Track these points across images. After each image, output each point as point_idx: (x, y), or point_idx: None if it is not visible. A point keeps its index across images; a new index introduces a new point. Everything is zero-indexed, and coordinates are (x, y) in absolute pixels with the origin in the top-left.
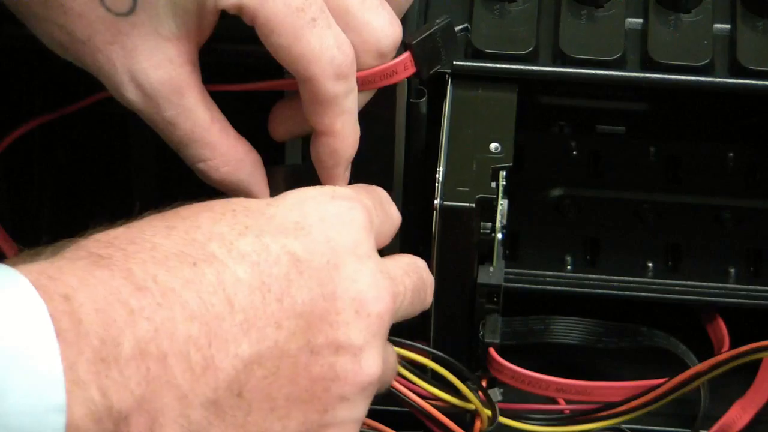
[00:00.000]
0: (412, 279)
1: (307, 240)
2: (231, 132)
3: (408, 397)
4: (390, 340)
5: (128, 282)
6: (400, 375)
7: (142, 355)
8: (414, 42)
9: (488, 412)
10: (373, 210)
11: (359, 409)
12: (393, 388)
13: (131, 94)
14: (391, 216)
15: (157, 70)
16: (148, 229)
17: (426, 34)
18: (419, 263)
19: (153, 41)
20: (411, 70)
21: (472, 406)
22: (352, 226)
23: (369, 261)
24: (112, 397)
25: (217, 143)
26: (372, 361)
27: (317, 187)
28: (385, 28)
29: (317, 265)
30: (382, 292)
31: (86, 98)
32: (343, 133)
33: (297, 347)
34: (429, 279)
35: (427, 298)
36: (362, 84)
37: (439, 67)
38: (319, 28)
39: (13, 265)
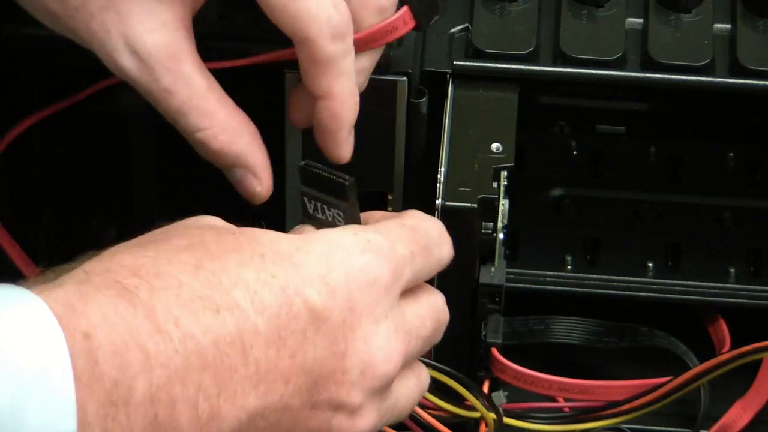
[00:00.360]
0: (428, 328)
1: (329, 297)
2: (228, 101)
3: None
4: None
5: (150, 322)
6: None
7: (152, 401)
8: None
9: (493, 416)
10: (407, 261)
11: None
12: None
13: (126, 61)
14: (438, 259)
15: (152, 34)
16: (176, 263)
17: None
18: (439, 304)
19: (147, 5)
20: (411, 23)
21: (477, 414)
22: (374, 287)
23: (385, 322)
24: None
25: (215, 111)
26: (367, 419)
27: (351, 233)
28: None
29: (333, 324)
30: (392, 353)
31: (85, 90)
32: (342, 95)
33: (300, 402)
34: (445, 320)
35: (438, 339)
36: (365, 43)
37: (437, 17)
38: None
39: (36, 286)
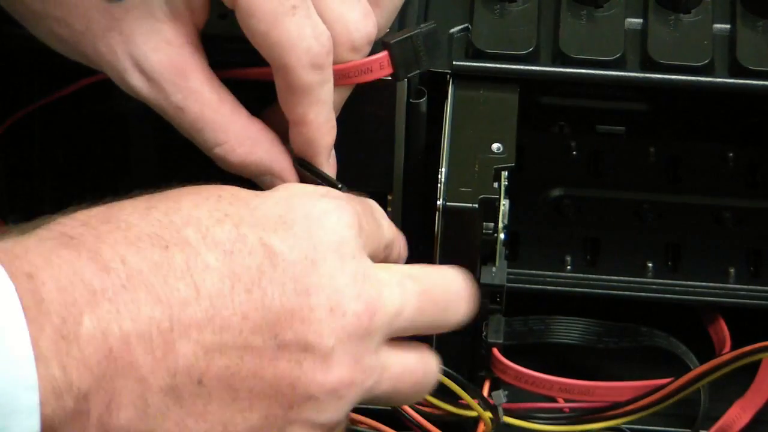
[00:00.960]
0: (417, 285)
1: (287, 234)
2: (242, 111)
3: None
4: None
5: (93, 263)
6: None
7: (104, 334)
8: (392, 42)
9: (489, 415)
10: (363, 216)
11: (329, 412)
12: None
13: (136, 81)
14: (382, 228)
15: (156, 52)
16: (127, 207)
17: (406, 35)
18: (442, 272)
19: (148, 24)
20: (387, 69)
21: (474, 413)
22: (338, 225)
23: (353, 261)
24: (72, 374)
25: (229, 123)
26: (343, 365)
27: (310, 185)
28: (358, 21)
29: (294, 260)
30: (363, 293)
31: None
32: (317, 122)
33: (263, 341)
34: (457, 289)
35: (453, 312)
36: (337, 78)
37: (418, 71)
38: (299, 17)
39: None
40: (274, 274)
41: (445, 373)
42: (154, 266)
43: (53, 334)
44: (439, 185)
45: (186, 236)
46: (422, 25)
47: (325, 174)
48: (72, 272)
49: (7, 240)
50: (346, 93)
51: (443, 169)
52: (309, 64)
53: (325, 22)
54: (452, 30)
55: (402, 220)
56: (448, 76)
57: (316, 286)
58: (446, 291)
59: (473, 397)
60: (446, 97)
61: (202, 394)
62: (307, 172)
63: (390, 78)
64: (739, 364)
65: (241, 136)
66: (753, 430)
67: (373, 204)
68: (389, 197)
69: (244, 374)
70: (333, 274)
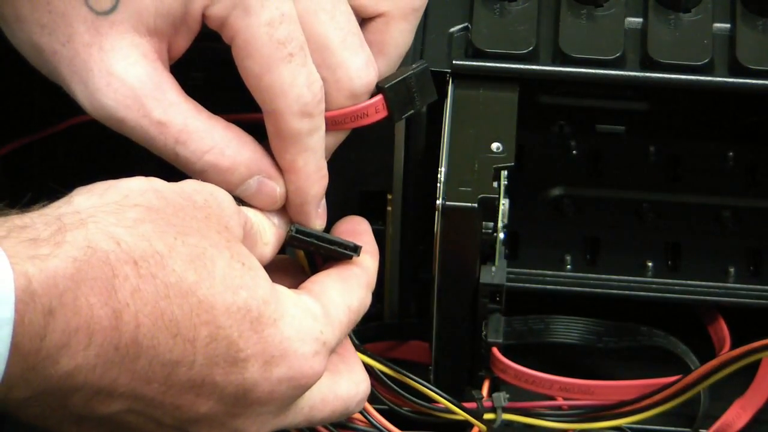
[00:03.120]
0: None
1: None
2: (218, 117)
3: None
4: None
5: (112, 321)
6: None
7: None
8: (387, 86)
9: (492, 416)
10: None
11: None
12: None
13: (110, 100)
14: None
15: (135, 66)
16: (173, 266)
17: (400, 78)
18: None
19: (129, 38)
20: (383, 113)
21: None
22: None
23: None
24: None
25: (212, 129)
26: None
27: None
28: (360, 69)
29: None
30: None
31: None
32: (305, 170)
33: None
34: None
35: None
36: (332, 124)
37: (412, 111)
38: (294, 65)
39: None
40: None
41: (436, 393)
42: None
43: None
44: (438, 185)
45: (196, 335)
46: (413, 66)
47: (330, 239)
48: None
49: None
50: (341, 137)
51: (443, 169)
52: (299, 112)
53: (327, 67)
54: (452, 29)
55: (402, 220)
56: (448, 75)
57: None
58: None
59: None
60: (446, 97)
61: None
62: (309, 239)
63: (386, 120)
64: (745, 361)
65: (225, 138)
66: (753, 430)
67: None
68: (389, 197)
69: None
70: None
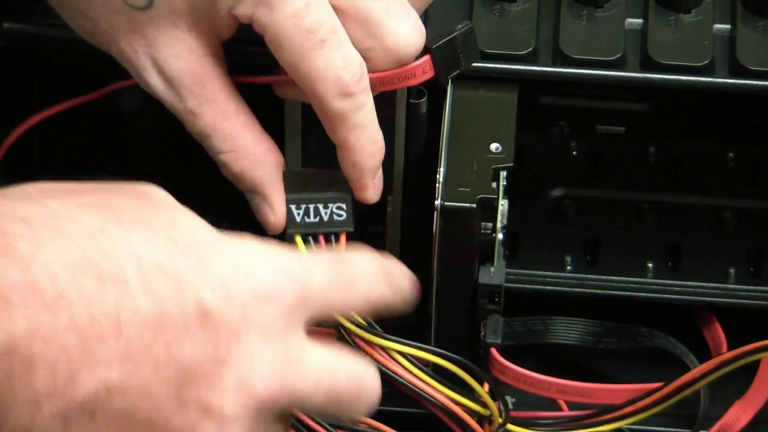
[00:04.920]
0: (336, 383)
1: (224, 300)
2: (256, 127)
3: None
4: (402, 342)
5: (23, 275)
6: (414, 374)
7: (9, 351)
8: (434, 47)
9: (500, 420)
10: (319, 293)
11: None
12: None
13: (154, 80)
14: (365, 295)
15: (177, 59)
16: (77, 216)
17: (447, 38)
18: (363, 373)
19: (172, 33)
20: (430, 73)
21: (487, 412)
22: (275, 306)
23: (275, 342)
24: None
25: (239, 135)
26: None
27: (273, 249)
28: (408, 36)
29: (221, 328)
30: (275, 379)
31: (91, 93)
32: (357, 146)
33: (166, 394)
34: (370, 390)
35: (356, 410)
36: (379, 85)
37: (457, 71)
38: (327, 50)
39: None
40: (198, 335)
41: (454, 360)
42: (82, 295)
43: None
44: (437, 185)
45: (125, 274)
46: (459, 26)
47: (321, 170)
48: None
49: None
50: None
51: (442, 169)
52: (339, 94)
53: (374, 37)
54: None
55: (402, 220)
56: None
57: (233, 357)
58: (363, 391)
59: (483, 383)
60: (445, 98)
61: (90, 428)
62: (303, 172)
63: (431, 81)
64: (740, 363)
65: (247, 150)
66: (753, 431)
67: (356, 262)
68: (389, 197)
69: (139, 420)
70: (252, 350)
